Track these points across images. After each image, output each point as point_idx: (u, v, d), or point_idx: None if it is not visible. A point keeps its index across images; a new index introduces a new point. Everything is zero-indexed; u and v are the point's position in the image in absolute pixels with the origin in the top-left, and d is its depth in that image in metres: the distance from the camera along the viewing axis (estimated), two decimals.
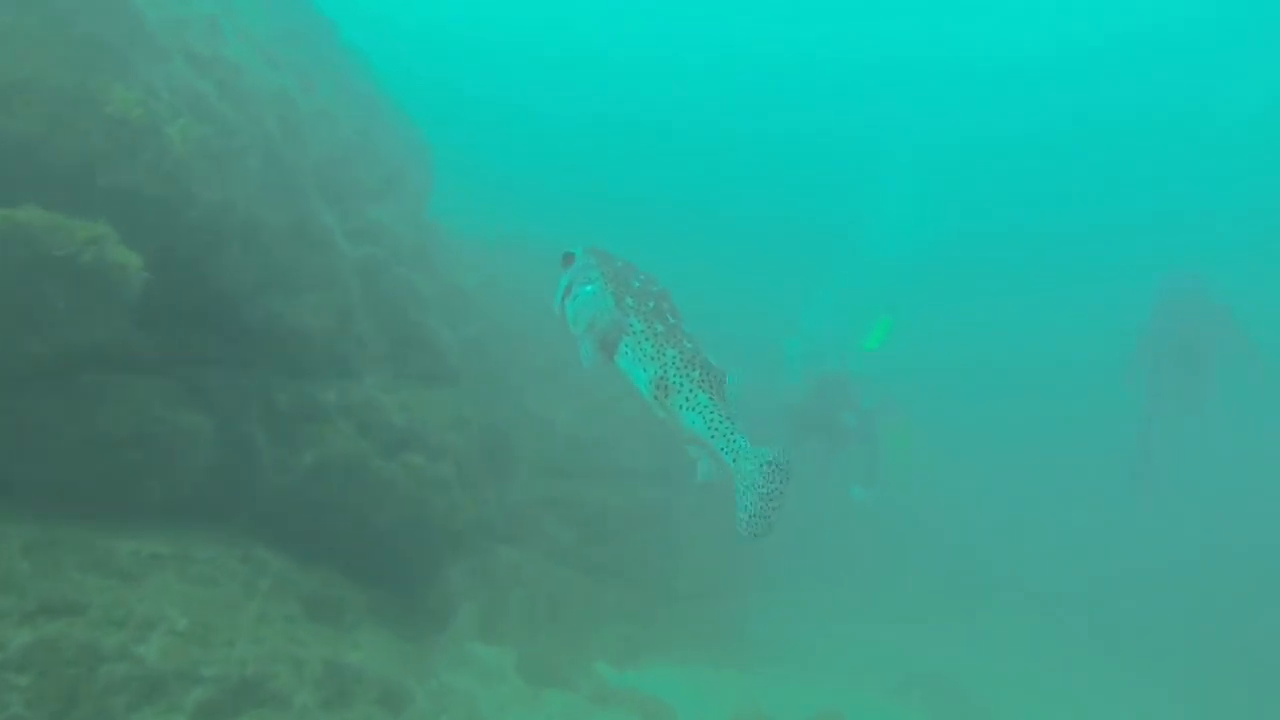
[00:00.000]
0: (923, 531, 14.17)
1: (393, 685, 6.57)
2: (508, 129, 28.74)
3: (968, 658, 10.98)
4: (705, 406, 3.53)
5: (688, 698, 8.76)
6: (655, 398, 3.58)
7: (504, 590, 9.46)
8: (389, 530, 7.24)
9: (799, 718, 8.33)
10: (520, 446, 10.61)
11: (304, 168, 7.01)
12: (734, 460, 3.47)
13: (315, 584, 6.70)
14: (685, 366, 3.59)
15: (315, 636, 6.03)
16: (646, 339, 3.66)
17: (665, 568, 11.26)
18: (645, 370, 3.63)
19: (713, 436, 3.51)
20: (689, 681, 9.25)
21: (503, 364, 10.87)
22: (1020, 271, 26.42)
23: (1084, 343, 18.93)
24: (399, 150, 11.13)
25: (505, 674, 8.33)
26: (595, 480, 11.15)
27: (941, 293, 24.58)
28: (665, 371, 3.59)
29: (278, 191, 6.40)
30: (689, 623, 10.80)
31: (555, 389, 11.78)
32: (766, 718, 8.16)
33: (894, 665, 10.26)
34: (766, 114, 29.78)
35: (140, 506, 5.28)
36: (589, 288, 3.89)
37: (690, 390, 3.55)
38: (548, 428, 11.35)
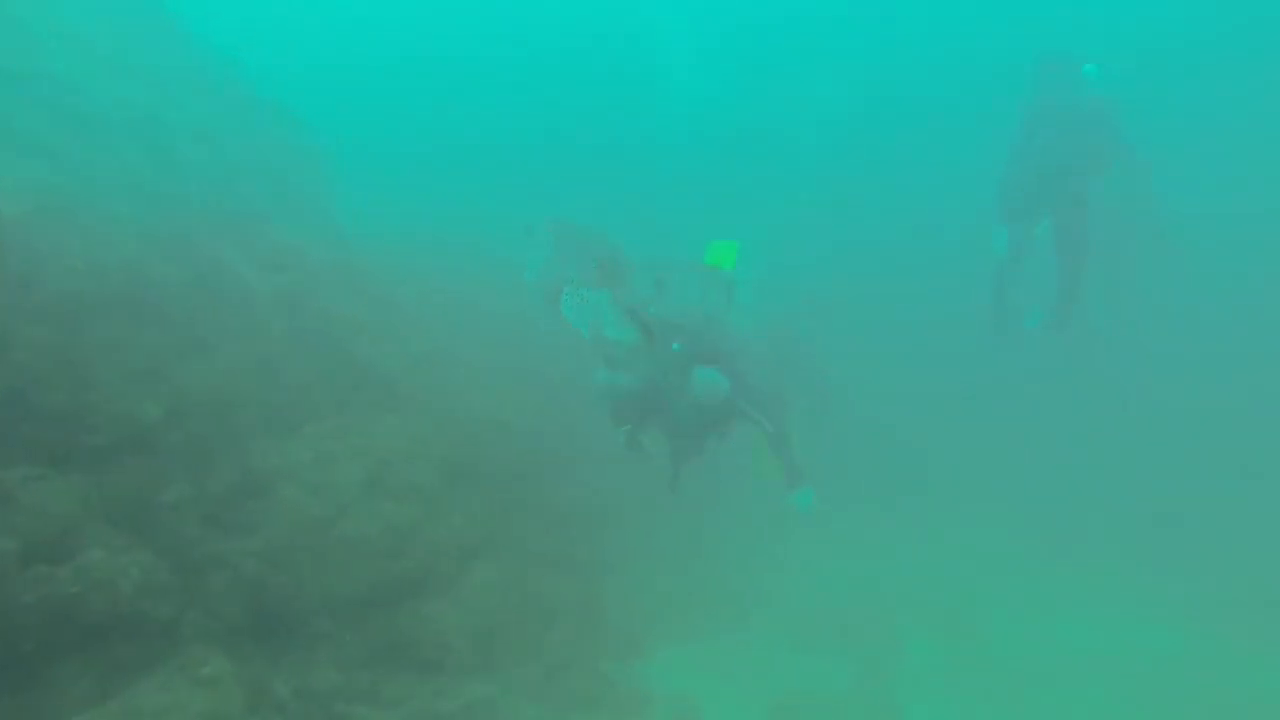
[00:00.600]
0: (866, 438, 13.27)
1: None
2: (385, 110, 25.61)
3: (957, 570, 10.22)
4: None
5: (710, 686, 7.80)
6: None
7: (492, 612, 8.28)
8: (366, 593, 5.93)
9: (837, 689, 7.47)
10: (481, 455, 9.34)
11: (187, 199, 5.43)
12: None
13: (294, 679, 5.37)
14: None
15: None
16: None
17: (643, 548, 10.27)
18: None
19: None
20: (702, 664, 8.24)
21: (447, 370, 9.51)
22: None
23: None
24: (287, 156, 9.39)
25: (519, 709, 7.20)
26: (558, 474, 10.00)
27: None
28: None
29: (160, 236, 4.85)
30: (678, 597, 9.87)
31: (504, 385, 10.50)
32: (807, 695, 7.27)
33: (883, 593, 9.41)
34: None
35: (43, 679, 3.82)
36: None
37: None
38: (503, 429, 10.11)
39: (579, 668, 7.63)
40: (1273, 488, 10.87)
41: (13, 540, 3.54)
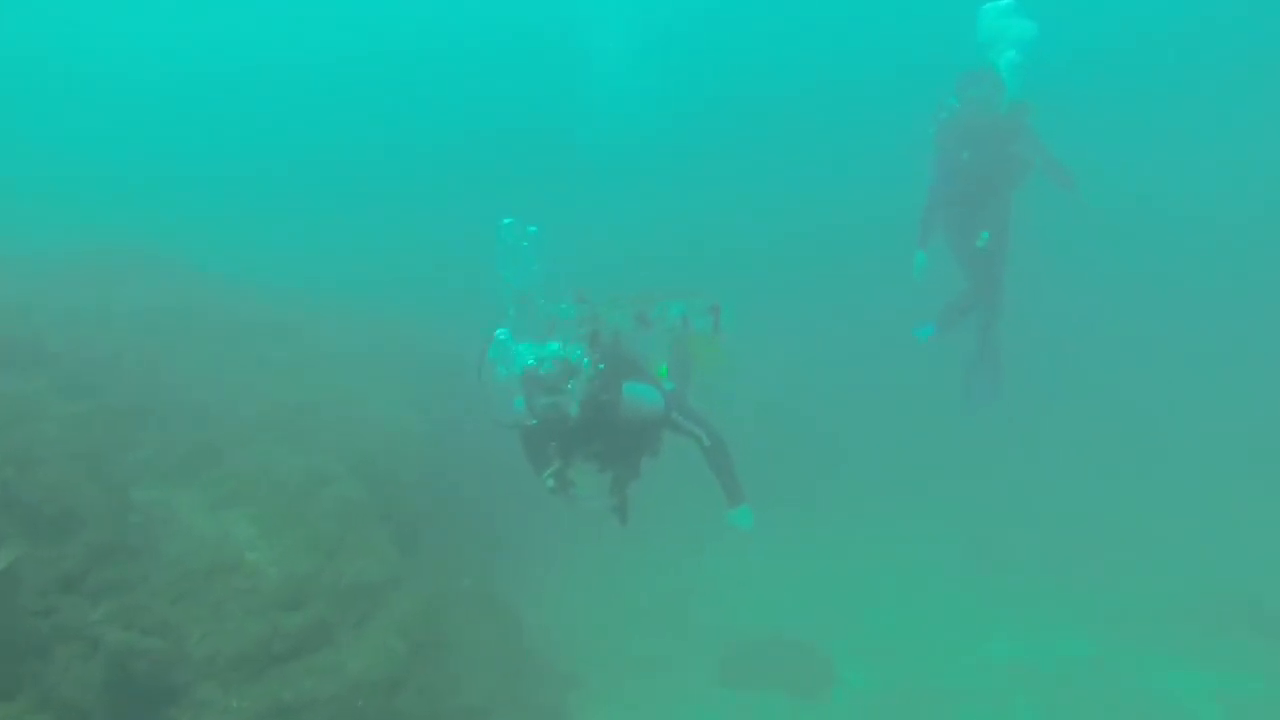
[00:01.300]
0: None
1: None
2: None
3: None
4: None
5: None
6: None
7: (400, 659, 7.45)
8: (257, 650, 5.29)
9: None
10: (386, 493, 8.54)
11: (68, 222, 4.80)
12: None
13: None
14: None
15: None
16: None
17: (565, 579, 9.62)
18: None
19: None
20: (634, 706, 7.65)
21: (348, 408, 8.60)
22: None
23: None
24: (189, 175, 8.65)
25: None
26: (469, 507, 9.32)
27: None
28: None
29: (37, 262, 4.22)
30: (606, 631, 9.16)
31: (409, 420, 9.67)
32: None
33: (811, 616, 8.96)
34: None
35: None
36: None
37: None
38: (409, 465, 9.30)
39: (500, 717, 7.03)
40: (1181, 501, 10.97)
41: None
